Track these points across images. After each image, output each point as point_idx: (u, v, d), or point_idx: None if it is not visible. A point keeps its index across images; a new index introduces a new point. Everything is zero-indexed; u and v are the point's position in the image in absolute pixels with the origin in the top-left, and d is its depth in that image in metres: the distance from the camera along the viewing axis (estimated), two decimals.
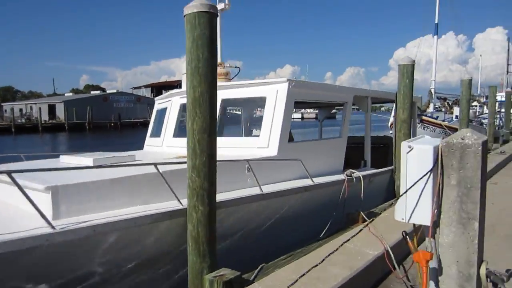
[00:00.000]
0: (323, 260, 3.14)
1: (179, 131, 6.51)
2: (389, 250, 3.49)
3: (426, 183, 2.40)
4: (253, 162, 4.63)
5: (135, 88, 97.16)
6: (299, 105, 9.10)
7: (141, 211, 3.64)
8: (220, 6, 6.71)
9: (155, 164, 3.79)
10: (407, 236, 2.65)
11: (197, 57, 3.46)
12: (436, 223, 2.53)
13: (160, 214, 3.64)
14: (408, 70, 6.91)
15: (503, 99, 32.83)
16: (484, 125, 23.38)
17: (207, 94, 3.48)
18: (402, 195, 2.49)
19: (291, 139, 6.47)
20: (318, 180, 5.46)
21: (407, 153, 2.49)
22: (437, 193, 2.43)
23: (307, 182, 5.28)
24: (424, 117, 16.75)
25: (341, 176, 5.92)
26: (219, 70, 5.45)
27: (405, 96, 6.97)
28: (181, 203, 3.76)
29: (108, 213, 3.56)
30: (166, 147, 6.58)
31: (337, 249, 3.25)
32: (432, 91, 18.87)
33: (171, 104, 6.86)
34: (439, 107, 21.63)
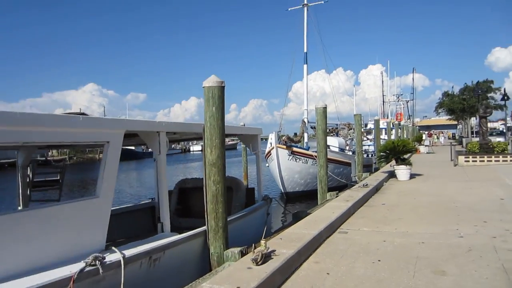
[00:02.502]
0: None
1: None
2: None
3: None
4: None
5: None
6: None
7: None
8: None
9: None
10: None
11: None
12: None
13: None
14: (215, 94, 5.02)
15: (385, 126, 35.11)
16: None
17: None
18: None
19: None
20: None
21: None
22: None
23: None
24: (295, 149, 15.62)
25: (65, 271, 3.44)
26: None
27: (214, 131, 5.03)
28: None
29: None
30: None
31: None
32: (306, 120, 18.13)
33: None
34: (314, 136, 21.09)
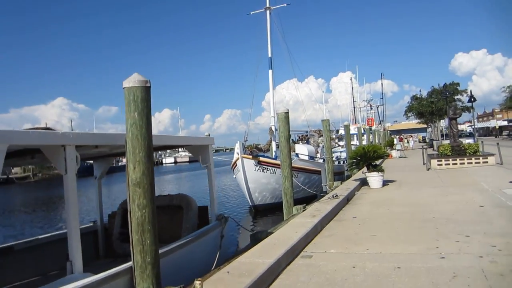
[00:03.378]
0: None
1: None
2: None
3: None
4: None
5: None
6: None
7: None
8: None
9: None
10: None
11: None
12: None
13: None
14: (137, 97, 3.99)
15: (356, 131, 34.80)
16: (336, 160, 22.92)
17: None
18: None
19: None
20: None
21: None
22: None
23: None
24: (261, 158, 14.66)
25: None
26: None
27: (137, 142, 3.98)
28: None
29: None
30: None
31: None
32: (273, 128, 17.20)
33: None
34: None
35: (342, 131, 32.95)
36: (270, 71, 17.61)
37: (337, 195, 9.31)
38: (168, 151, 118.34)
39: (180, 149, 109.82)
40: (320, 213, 7.32)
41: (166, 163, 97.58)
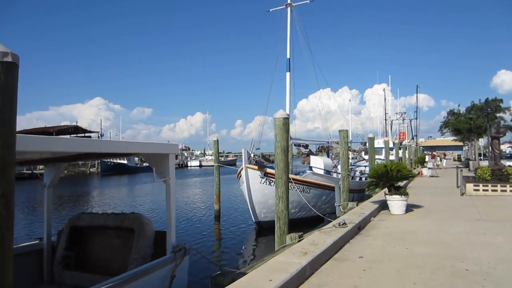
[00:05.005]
0: None
1: None
2: None
3: None
4: None
5: None
6: None
7: None
8: None
9: None
10: None
11: None
12: None
13: None
14: None
15: (380, 145, 32.44)
16: (358, 176, 21.00)
17: None
18: None
19: None
20: None
21: None
22: None
23: None
24: (268, 170, 13.03)
25: None
26: None
27: None
28: None
29: None
30: None
31: None
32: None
33: None
34: (299, 154, 18.43)
35: None
36: (287, 74, 16.00)
37: (344, 223, 7.59)
38: (194, 154, 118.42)
39: (207, 152, 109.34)
40: (315, 249, 5.67)
41: (191, 166, 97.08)
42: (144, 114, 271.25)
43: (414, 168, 34.43)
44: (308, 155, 17.45)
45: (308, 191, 13.81)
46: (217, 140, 17.62)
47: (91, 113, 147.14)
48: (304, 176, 13.99)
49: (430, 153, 55.74)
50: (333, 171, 15.63)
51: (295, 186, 12.97)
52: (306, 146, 17.33)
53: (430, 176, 25.02)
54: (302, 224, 12.10)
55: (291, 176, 13.40)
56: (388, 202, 10.15)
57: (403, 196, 9.91)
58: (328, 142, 19.34)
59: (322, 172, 15.04)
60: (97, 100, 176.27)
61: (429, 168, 26.34)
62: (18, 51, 2.56)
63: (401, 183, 10.92)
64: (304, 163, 18.09)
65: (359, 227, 8.18)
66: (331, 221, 8.25)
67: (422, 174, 26.33)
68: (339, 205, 11.50)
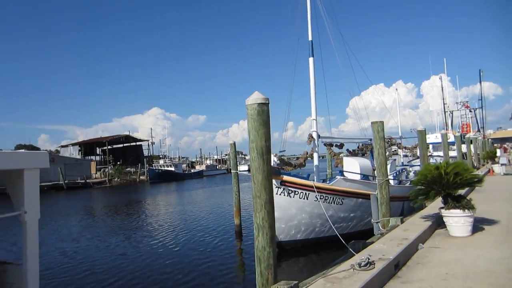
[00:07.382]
0: None
1: None
2: None
3: None
4: None
5: (62, 146, 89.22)
6: None
7: None
8: None
9: None
10: None
11: None
12: None
13: None
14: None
15: (438, 140, 28.17)
16: (412, 177, 17.66)
17: None
18: None
19: None
20: None
21: None
22: None
23: None
24: (286, 177, 10.35)
25: None
26: None
27: None
28: None
29: None
30: None
31: None
32: (314, 135, 12.59)
33: None
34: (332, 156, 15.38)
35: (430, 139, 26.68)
36: (311, 59, 13.22)
37: (370, 262, 4.86)
38: (246, 158, 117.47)
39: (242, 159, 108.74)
40: None
41: (240, 171, 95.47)
42: (198, 121, 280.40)
43: (483, 165, 29.55)
44: (350, 154, 14.64)
45: (341, 202, 10.99)
46: (234, 143, 15.38)
47: (149, 123, 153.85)
48: (333, 183, 11.16)
49: (500, 145, 49.02)
50: (373, 175, 12.59)
51: (319, 197, 10.26)
52: (340, 146, 14.44)
53: (504, 174, 20.70)
54: (331, 244, 9.40)
55: (314, 183, 10.66)
56: (444, 219, 7.17)
57: (466, 210, 6.87)
58: (370, 140, 16.23)
59: (357, 177, 12.12)
60: (155, 110, 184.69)
61: (501, 165, 21.89)
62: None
63: (461, 191, 7.84)
64: (337, 166, 15.17)
65: (397, 265, 5.38)
66: (353, 254, 5.53)
67: (493, 172, 22.02)
68: (377, 222, 8.61)
